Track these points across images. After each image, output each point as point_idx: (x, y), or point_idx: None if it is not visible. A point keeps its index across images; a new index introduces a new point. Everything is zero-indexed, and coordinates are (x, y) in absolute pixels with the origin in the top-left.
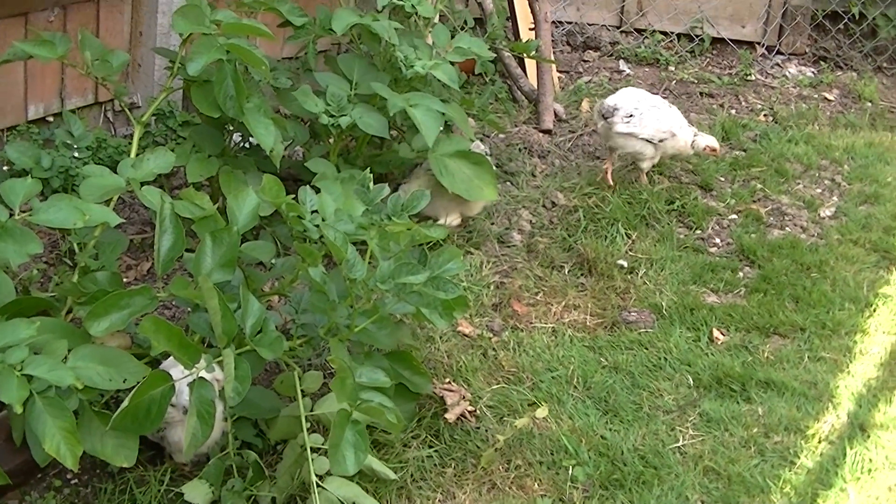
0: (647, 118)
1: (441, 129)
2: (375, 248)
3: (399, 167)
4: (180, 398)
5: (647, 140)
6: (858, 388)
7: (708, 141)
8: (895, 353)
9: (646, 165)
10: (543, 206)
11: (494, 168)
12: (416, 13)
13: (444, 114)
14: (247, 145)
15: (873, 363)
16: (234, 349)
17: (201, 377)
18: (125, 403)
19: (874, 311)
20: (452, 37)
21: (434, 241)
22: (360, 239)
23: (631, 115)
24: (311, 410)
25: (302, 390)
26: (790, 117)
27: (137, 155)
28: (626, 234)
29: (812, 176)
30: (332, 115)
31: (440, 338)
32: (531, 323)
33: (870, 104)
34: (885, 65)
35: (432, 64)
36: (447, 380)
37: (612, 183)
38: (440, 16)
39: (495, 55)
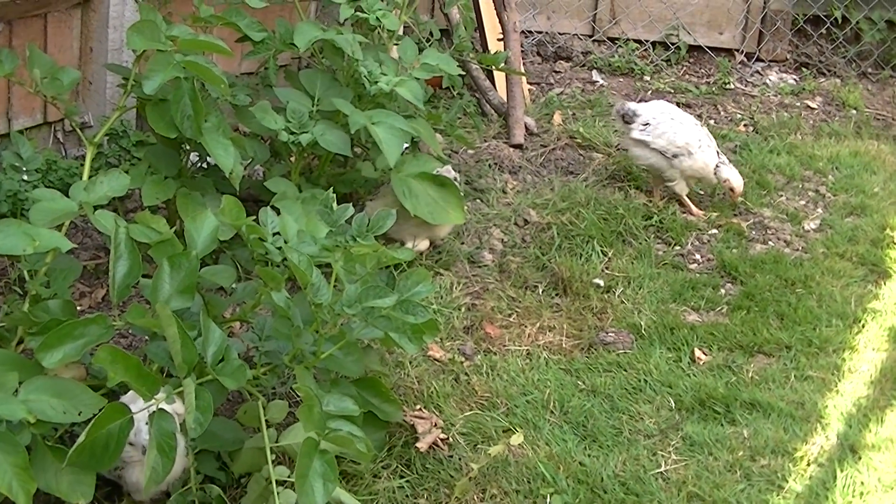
0: (663, 128)
1: (407, 146)
2: (341, 270)
3: (363, 186)
4: (139, 436)
5: (659, 152)
6: (848, 408)
7: (730, 175)
8: (886, 370)
9: (679, 189)
10: (515, 223)
11: (464, 185)
12: (381, 25)
13: (408, 132)
14: (205, 165)
15: (863, 381)
16: (194, 379)
17: (161, 409)
18: (81, 438)
19: (863, 327)
20: (419, 51)
21: (401, 263)
22: (325, 261)
23: (647, 124)
24: (277, 441)
25: (266, 420)
26: (771, 127)
27: (90, 177)
28: (602, 251)
29: (795, 187)
30: (292, 133)
31: (410, 363)
32: (504, 346)
33: (854, 112)
34: (869, 70)
35: (397, 81)
36: (418, 407)
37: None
38: (405, 27)
39: (463, 68)
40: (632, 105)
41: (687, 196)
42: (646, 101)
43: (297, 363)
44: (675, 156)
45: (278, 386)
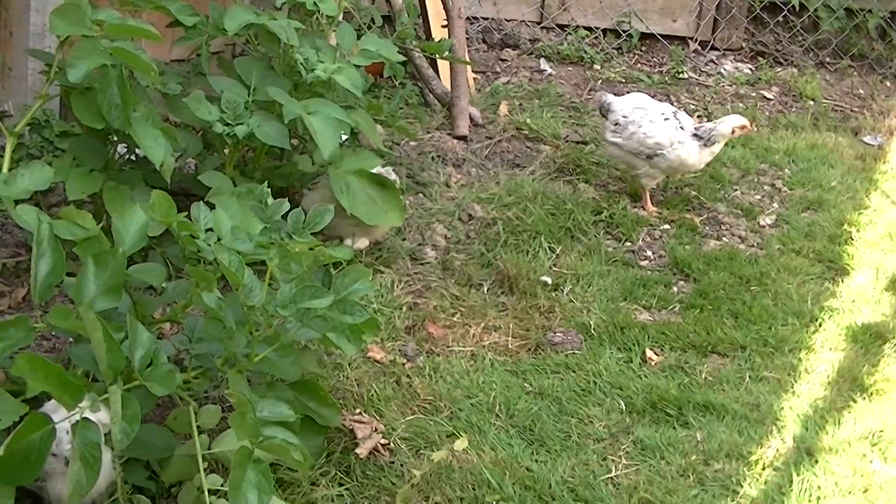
0: (632, 129)
1: (346, 138)
2: (276, 269)
3: (301, 181)
4: (61, 446)
5: (632, 153)
6: (804, 410)
7: (733, 122)
8: (843, 371)
9: (646, 183)
10: (459, 219)
11: (406, 179)
12: (319, 11)
13: (346, 122)
14: (133, 158)
15: (820, 382)
16: (121, 385)
17: (85, 418)
18: (0, 450)
19: (820, 325)
20: (359, 37)
21: (339, 261)
22: (260, 259)
23: (617, 123)
24: (209, 449)
25: (198, 427)
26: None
27: (10, 170)
28: (549, 248)
29: (750, 181)
30: (227, 124)
31: (349, 365)
32: (448, 346)
33: (812, 103)
34: (827, 59)
35: (335, 68)
36: (358, 411)
37: (650, 209)
38: (345, 14)
39: (405, 56)
40: (608, 98)
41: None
42: (621, 95)
43: (229, 367)
44: (649, 157)
45: (210, 390)
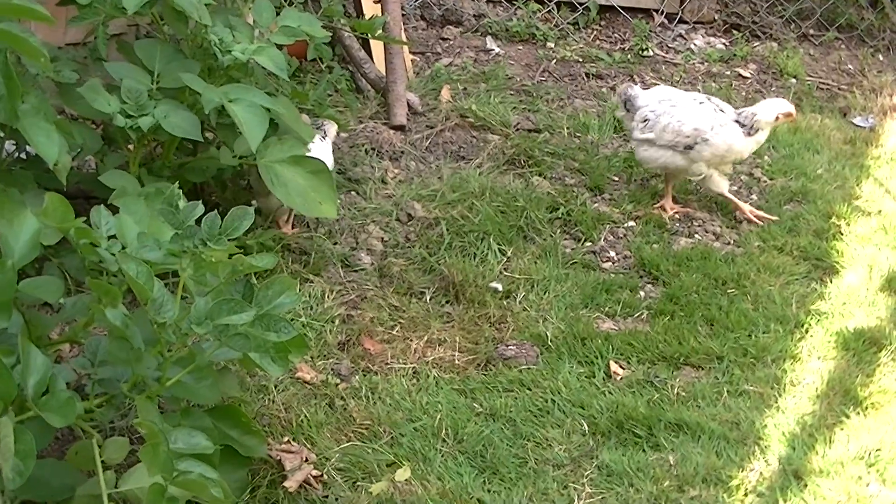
0: (665, 120)
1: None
2: (189, 281)
3: (219, 178)
4: None
5: (670, 148)
6: (791, 427)
7: (777, 108)
8: (833, 382)
9: (715, 184)
10: (397, 219)
11: (336, 175)
12: None
13: (272, 109)
14: (23, 156)
15: (807, 396)
16: (12, 416)
17: None
18: None
19: (806, 332)
20: (278, 13)
21: (261, 270)
22: (171, 269)
23: (646, 119)
24: (116, 486)
25: (103, 462)
26: None
27: None
28: (499, 250)
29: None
30: (129, 116)
31: (276, 387)
32: (387, 364)
33: (794, 81)
34: (811, 32)
35: (254, 48)
36: (286, 439)
37: (668, 211)
38: None
39: (332, 36)
40: (633, 91)
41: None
42: (646, 88)
43: (138, 392)
44: (688, 147)
45: (117, 420)
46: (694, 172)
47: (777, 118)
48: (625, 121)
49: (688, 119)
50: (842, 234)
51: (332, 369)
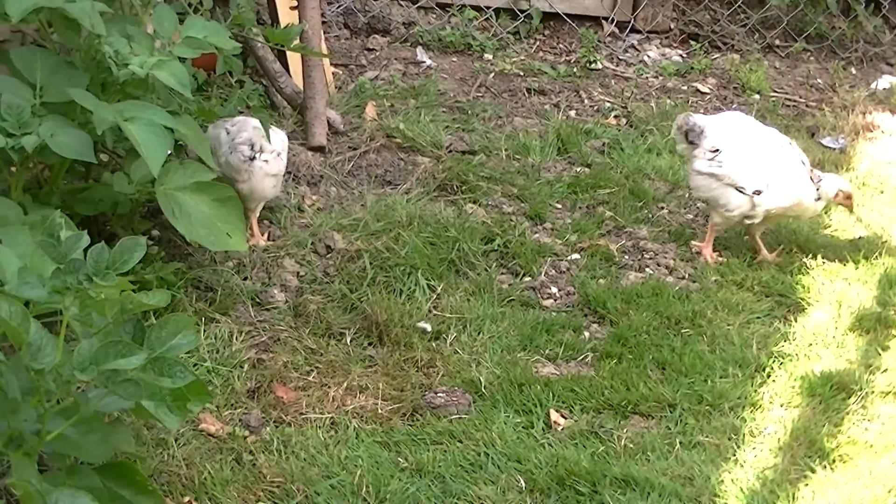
0: (740, 158)
1: (169, 151)
2: (73, 321)
3: (114, 206)
4: None
5: (736, 188)
6: (750, 483)
7: (840, 185)
8: (798, 432)
9: (756, 228)
10: (315, 252)
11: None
12: None
13: (174, 129)
14: None
15: (769, 447)
16: None
17: None
18: None
19: (768, 376)
20: (182, 22)
21: (156, 308)
22: (55, 309)
23: (717, 150)
24: None
25: None
26: (650, 118)
27: None
28: (428, 286)
29: (680, 198)
30: (10, 135)
31: (176, 440)
32: (302, 413)
33: (757, 97)
34: (777, 42)
35: (154, 62)
36: (187, 499)
37: (715, 260)
38: None
39: (244, 46)
40: (698, 119)
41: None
42: (712, 114)
43: (14, 448)
44: (757, 192)
45: None
46: (748, 216)
47: (837, 194)
48: (685, 154)
49: (768, 161)
50: (808, 268)
51: (239, 420)
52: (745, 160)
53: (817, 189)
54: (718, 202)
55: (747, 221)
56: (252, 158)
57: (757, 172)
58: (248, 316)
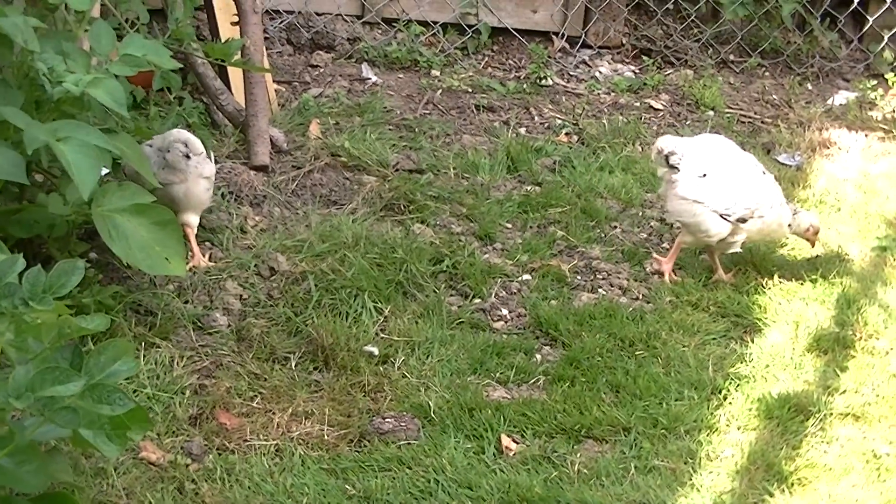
0: (724, 185)
1: (107, 171)
2: (8, 347)
3: (50, 228)
4: None
5: (720, 214)
6: None
7: (813, 221)
8: (755, 455)
9: (725, 248)
10: (259, 274)
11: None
12: (66, 5)
13: (109, 150)
14: None
15: (726, 471)
16: None
17: None
18: None
19: (724, 398)
20: (120, 38)
21: (94, 333)
22: None
23: (704, 175)
24: None
25: None
26: (602, 135)
27: None
28: (375, 308)
29: (634, 216)
30: None
31: (115, 470)
32: (245, 440)
33: (712, 113)
34: (731, 58)
35: (90, 79)
36: None
37: (672, 278)
38: (101, 8)
39: (184, 62)
40: (676, 142)
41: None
42: (689, 137)
43: None
44: (741, 220)
45: None
46: (729, 241)
47: (808, 229)
48: (663, 178)
49: (752, 188)
50: (764, 288)
51: (181, 448)
52: (731, 186)
53: (793, 216)
54: (699, 227)
55: (723, 246)
56: (187, 156)
57: (742, 199)
58: (190, 340)
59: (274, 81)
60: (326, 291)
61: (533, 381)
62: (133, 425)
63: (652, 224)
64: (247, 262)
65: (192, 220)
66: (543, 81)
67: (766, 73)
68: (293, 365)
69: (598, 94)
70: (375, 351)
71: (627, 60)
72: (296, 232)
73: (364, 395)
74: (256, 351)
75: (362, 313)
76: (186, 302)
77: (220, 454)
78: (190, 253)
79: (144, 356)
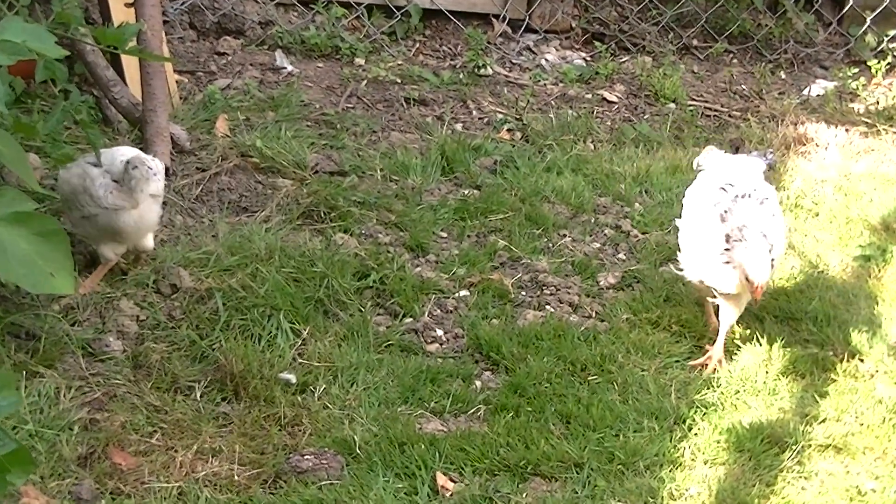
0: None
1: None
2: None
3: None
4: None
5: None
6: None
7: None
8: (724, 494)
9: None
10: (158, 292)
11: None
12: None
13: None
14: None
15: None
16: None
17: None
18: None
19: (689, 429)
20: None
21: None
22: None
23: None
24: None
25: None
26: (549, 132)
27: None
28: (292, 329)
29: (585, 223)
30: None
31: None
32: (144, 483)
33: (673, 105)
34: (695, 43)
35: None
36: None
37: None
38: None
39: (70, 51)
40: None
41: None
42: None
43: None
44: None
45: None
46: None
47: (746, 278)
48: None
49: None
50: None
51: (69, 493)
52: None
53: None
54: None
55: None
56: (147, 180)
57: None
58: (79, 368)
59: (175, 71)
60: (236, 311)
61: (472, 411)
62: (13, 468)
63: (606, 232)
64: (144, 279)
65: (150, 243)
66: (482, 70)
67: (734, 61)
68: (198, 395)
69: (545, 84)
70: (292, 378)
71: (577, 46)
72: (201, 243)
73: (280, 429)
74: (156, 380)
75: (277, 335)
76: (75, 324)
77: (113, 499)
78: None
79: (26, 387)
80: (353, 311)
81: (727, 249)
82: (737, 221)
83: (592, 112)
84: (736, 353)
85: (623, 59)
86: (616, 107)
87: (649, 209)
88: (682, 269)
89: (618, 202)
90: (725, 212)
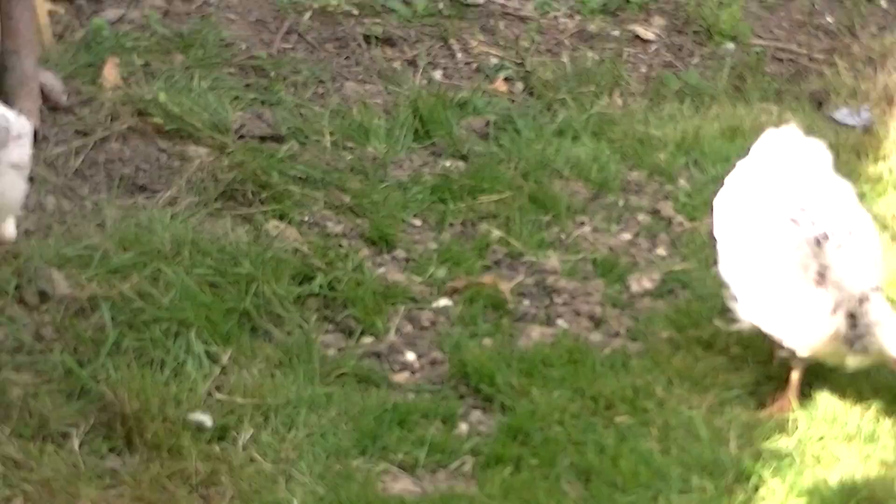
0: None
1: None
2: None
3: None
4: None
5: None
6: None
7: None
8: None
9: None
10: (21, 301)
11: None
12: None
13: None
14: None
15: None
16: None
17: None
18: None
19: (756, 489)
20: None
21: None
22: None
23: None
24: None
25: None
26: (561, 82)
27: None
28: (208, 353)
29: (611, 207)
30: None
31: None
32: None
33: (732, 45)
34: None
35: None
36: None
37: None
38: None
39: None
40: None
41: None
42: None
43: None
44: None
45: None
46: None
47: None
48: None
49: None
50: None
51: None
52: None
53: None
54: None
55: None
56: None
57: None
58: None
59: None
60: (130, 328)
61: (456, 464)
62: None
63: (639, 219)
64: (2, 283)
65: (11, 231)
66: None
67: None
68: (76, 445)
69: (556, 17)
70: (207, 421)
71: None
72: (81, 234)
73: (189, 492)
74: (17, 423)
75: (187, 361)
76: None
77: None
78: None
79: None
80: (291, 328)
81: (859, 337)
82: (850, 287)
83: (621, 55)
84: (818, 386)
85: None
86: (654, 47)
87: (699, 188)
88: (739, 322)
89: (656, 178)
90: (821, 275)
